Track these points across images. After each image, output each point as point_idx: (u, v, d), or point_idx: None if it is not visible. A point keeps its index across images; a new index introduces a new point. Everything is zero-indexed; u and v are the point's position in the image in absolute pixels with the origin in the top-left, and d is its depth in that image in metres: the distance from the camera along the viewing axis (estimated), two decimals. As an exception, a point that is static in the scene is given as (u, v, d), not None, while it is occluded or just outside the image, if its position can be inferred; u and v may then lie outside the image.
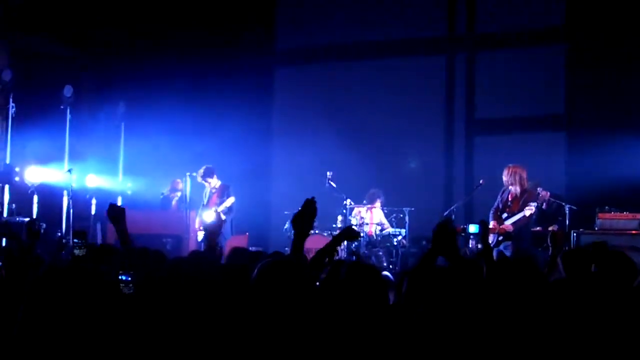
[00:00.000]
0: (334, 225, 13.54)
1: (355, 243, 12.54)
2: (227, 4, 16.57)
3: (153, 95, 15.80)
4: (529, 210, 10.42)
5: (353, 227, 5.71)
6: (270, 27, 16.86)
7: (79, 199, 14.77)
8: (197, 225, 12.36)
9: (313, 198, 4.88)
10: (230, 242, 12.61)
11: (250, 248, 10.78)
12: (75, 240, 6.62)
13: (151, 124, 15.53)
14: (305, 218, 4.79)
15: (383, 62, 15.91)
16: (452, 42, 15.66)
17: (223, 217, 12.03)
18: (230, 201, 12.19)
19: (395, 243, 13.18)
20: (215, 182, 12.42)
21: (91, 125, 15.92)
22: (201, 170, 12.45)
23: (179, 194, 14.40)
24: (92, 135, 15.88)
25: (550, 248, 6.24)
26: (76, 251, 6.78)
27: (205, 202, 12.42)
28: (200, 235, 12.29)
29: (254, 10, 16.70)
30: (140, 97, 16.04)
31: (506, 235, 10.46)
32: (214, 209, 12.26)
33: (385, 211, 13.74)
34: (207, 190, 12.48)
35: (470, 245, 10.72)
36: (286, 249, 13.15)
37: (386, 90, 15.56)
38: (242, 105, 15.58)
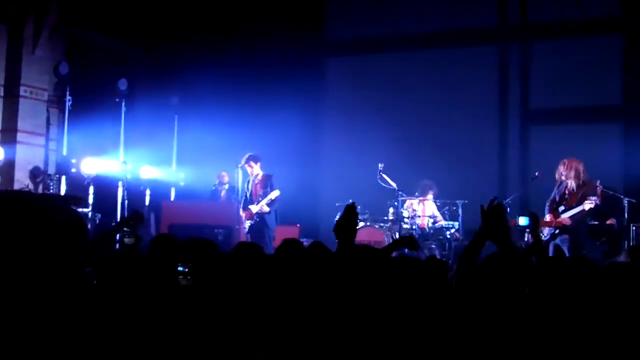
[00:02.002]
0: (385, 218, 13.36)
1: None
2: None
3: (205, 88, 15.80)
4: (588, 204, 10.07)
5: (414, 237, 5.57)
6: (320, 18, 16.70)
7: (134, 190, 14.89)
8: (242, 216, 12.27)
9: (353, 204, 4.63)
10: (280, 233, 12.61)
11: (302, 240, 10.67)
12: (125, 229, 6.63)
13: (203, 116, 15.61)
14: (347, 226, 4.50)
15: (434, 52, 15.66)
16: (505, 32, 15.34)
17: (267, 209, 12.00)
18: (275, 194, 12.03)
19: (447, 236, 12.96)
20: (257, 170, 12.21)
21: (145, 118, 15.95)
22: (246, 156, 12.30)
23: (226, 186, 14.36)
24: (146, 127, 15.93)
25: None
26: (126, 240, 6.81)
27: (248, 195, 12.31)
28: (248, 225, 12.24)
29: (304, 1, 16.58)
30: (192, 90, 16.10)
31: (563, 228, 10.18)
32: (259, 200, 12.15)
33: (438, 203, 13.50)
34: (250, 180, 12.35)
35: (526, 239, 10.47)
36: (337, 241, 13.15)
37: (438, 81, 15.29)
38: (293, 97, 15.41)
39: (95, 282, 3.52)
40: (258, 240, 11.54)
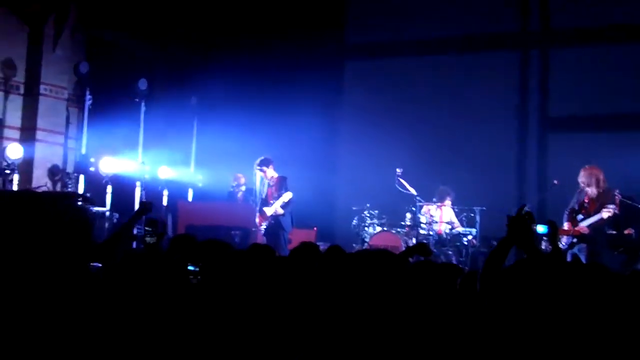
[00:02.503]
0: (402, 223, 13.32)
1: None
2: (298, -1, 16.51)
3: (224, 90, 15.83)
4: (606, 213, 9.99)
5: (426, 244, 5.57)
6: (339, 22, 16.62)
7: (151, 190, 14.90)
8: (257, 220, 12.27)
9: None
10: (296, 235, 12.59)
11: (318, 243, 10.64)
12: (146, 228, 6.66)
13: (222, 118, 15.58)
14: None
15: (454, 58, 15.54)
16: (525, 38, 15.23)
17: (281, 211, 12.00)
18: (287, 196, 11.99)
19: (465, 242, 12.88)
20: (271, 172, 12.20)
21: (165, 118, 16.02)
22: (258, 160, 12.30)
23: (243, 188, 14.36)
24: (165, 128, 16.01)
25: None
26: (148, 239, 6.84)
27: (263, 196, 12.32)
28: (263, 228, 12.24)
29: (324, 4, 16.51)
30: (212, 92, 16.09)
31: (581, 237, 10.10)
32: (272, 202, 12.16)
33: (456, 210, 13.42)
34: (265, 183, 12.35)
35: (543, 247, 10.40)
36: (354, 245, 13.13)
37: (457, 86, 15.21)
38: (311, 101, 15.36)
39: (103, 279, 3.50)
40: (274, 242, 11.59)
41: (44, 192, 12.86)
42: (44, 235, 2.88)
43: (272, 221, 12.03)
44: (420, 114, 15.41)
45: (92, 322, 2.92)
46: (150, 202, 6.48)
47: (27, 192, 3.71)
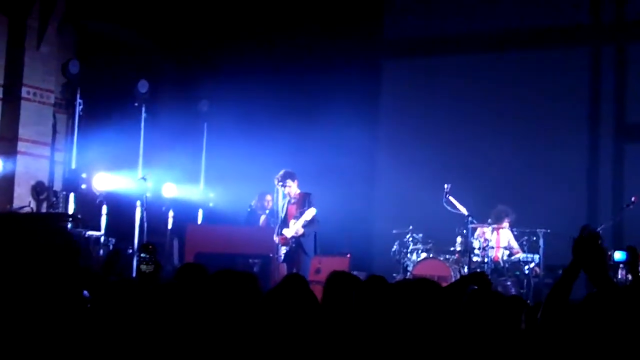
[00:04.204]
0: (451, 249, 13.45)
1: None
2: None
3: (240, 93, 15.88)
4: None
5: (485, 274, 5.55)
6: (377, 14, 16.73)
7: (154, 211, 14.96)
8: (276, 240, 12.29)
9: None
10: (327, 264, 12.64)
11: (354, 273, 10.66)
12: (142, 254, 6.62)
13: (238, 127, 15.67)
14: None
15: (510, 55, 15.70)
16: (597, 32, 15.30)
17: (301, 231, 12.06)
18: (310, 213, 12.01)
19: (526, 271, 12.93)
20: (294, 189, 12.27)
21: (169, 126, 16.04)
22: (280, 173, 12.29)
23: (267, 210, 14.41)
24: (170, 137, 16.07)
25: None
26: (143, 267, 6.78)
27: (282, 217, 12.35)
28: (283, 252, 12.28)
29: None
30: (225, 96, 16.14)
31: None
32: (292, 222, 12.20)
33: (515, 233, 13.49)
34: (286, 200, 12.37)
35: (619, 276, 10.35)
36: (394, 275, 13.16)
37: (515, 89, 15.35)
38: (343, 105, 15.49)
39: (89, 306, 3.53)
40: (294, 269, 11.81)
41: (27, 214, 12.96)
42: (25, 263, 2.91)
43: (293, 244, 12.10)
44: (471, 120, 15.57)
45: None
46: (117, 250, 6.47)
47: (7, 214, 3.75)
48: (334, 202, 13.43)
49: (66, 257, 3.02)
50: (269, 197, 14.33)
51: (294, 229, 12.10)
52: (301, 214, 12.10)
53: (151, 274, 6.67)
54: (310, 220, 12.08)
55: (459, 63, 16.06)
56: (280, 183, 12.28)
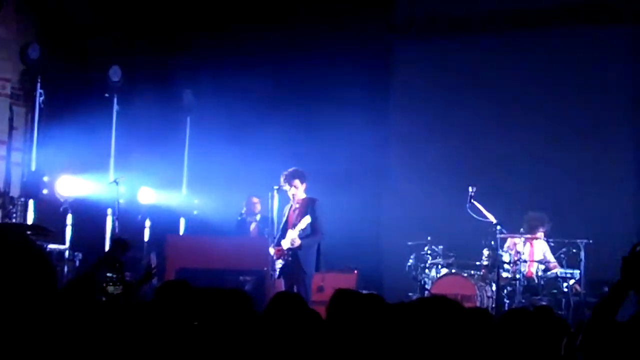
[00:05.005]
0: (477, 263, 13.42)
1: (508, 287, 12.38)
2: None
3: (229, 83, 15.84)
4: None
5: (551, 310, 5.50)
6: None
7: (128, 221, 14.85)
8: (272, 252, 12.23)
9: None
10: (330, 281, 12.70)
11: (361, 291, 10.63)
12: (108, 274, 6.54)
13: (227, 122, 15.68)
14: None
15: (541, 34, 15.65)
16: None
17: (298, 242, 11.98)
18: (305, 221, 11.90)
19: (564, 289, 12.87)
20: (300, 193, 12.15)
21: (146, 121, 15.93)
22: (289, 170, 12.13)
23: (257, 217, 14.44)
24: (147, 134, 15.99)
25: None
26: (110, 289, 6.72)
27: (283, 222, 12.36)
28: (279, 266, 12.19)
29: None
30: (212, 85, 16.11)
31: None
32: (290, 231, 12.12)
33: (552, 244, 13.44)
34: (288, 205, 12.29)
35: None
36: (410, 294, 13.13)
37: (547, 74, 15.37)
38: (349, 97, 15.48)
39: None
40: (291, 287, 11.76)
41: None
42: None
43: (289, 257, 12.01)
44: (497, 112, 15.55)
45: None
46: (126, 240, 6.42)
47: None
48: (339, 209, 13.30)
49: (40, 279, 3.01)
50: (255, 200, 14.45)
51: (289, 238, 12.03)
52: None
53: (120, 295, 6.63)
54: (312, 230, 11.96)
55: (480, 45, 16.02)
56: (287, 182, 12.19)
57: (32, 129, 14.94)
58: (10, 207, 14.46)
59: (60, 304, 5.46)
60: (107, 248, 14.24)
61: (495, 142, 15.18)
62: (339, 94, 15.45)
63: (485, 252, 13.30)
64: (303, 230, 11.88)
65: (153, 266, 14.13)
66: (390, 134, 16.47)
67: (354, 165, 15.65)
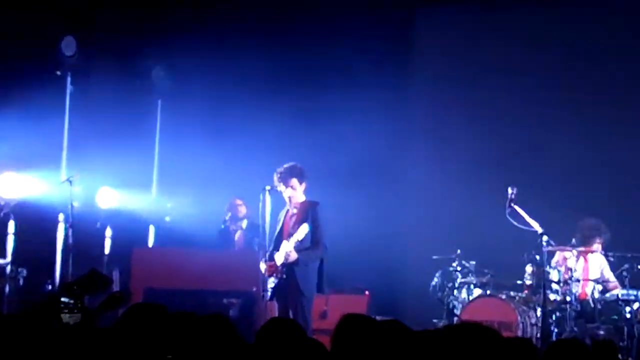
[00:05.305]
0: (518, 282, 13.39)
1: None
2: None
3: (212, 60, 15.86)
4: None
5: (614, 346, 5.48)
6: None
7: (85, 229, 14.80)
8: (262, 268, 12.18)
9: None
10: (336, 304, 12.82)
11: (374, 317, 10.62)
12: (64, 299, 6.56)
13: (206, 106, 15.93)
14: None
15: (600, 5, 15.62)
16: None
17: (295, 256, 11.90)
18: (302, 231, 11.85)
19: (627, 314, 12.84)
20: (299, 195, 12.09)
21: (107, 105, 15.95)
22: (285, 166, 12.07)
23: (243, 223, 14.49)
24: (108, 121, 15.94)
25: None
26: (65, 317, 6.75)
27: (277, 230, 12.36)
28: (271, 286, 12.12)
29: None
30: (188, 61, 16.15)
31: None
32: (284, 243, 12.06)
33: (611, 259, 13.42)
34: (284, 210, 12.25)
35: None
36: (434, 321, 13.15)
37: (608, 52, 15.38)
38: (361, 83, 15.58)
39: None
40: (286, 312, 11.76)
41: None
42: None
43: (284, 275, 11.99)
44: (541, 98, 15.56)
45: None
46: (128, 293, 6.44)
47: None
48: (346, 215, 13.42)
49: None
50: (238, 202, 14.52)
51: (284, 251, 11.96)
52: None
53: (78, 326, 6.65)
54: (312, 241, 11.92)
55: (522, 15, 16.06)
56: (282, 181, 12.16)
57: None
58: None
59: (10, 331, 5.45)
60: (58, 263, 14.26)
61: (540, 133, 15.20)
62: (348, 73, 15.62)
63: (529, 268, 13.24)
64: (301, 241, 11.84)
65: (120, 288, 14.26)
66: (411, 123, 16.57)
67: (366, 161, 15.71)
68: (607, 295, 13.21)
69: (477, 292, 13.44)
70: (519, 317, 12.90)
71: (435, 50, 16.59)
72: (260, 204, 12.48)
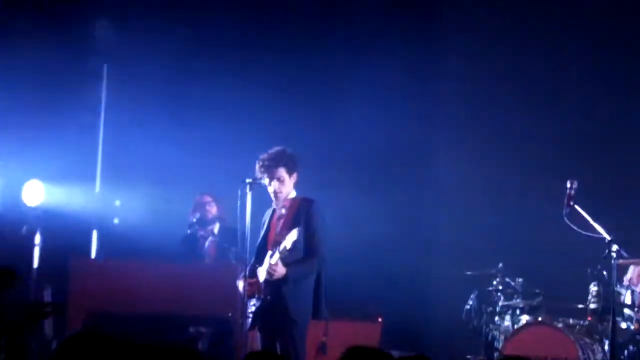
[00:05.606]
0: (579, 306, 13.04)
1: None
2: None
3: (172, 9, 15.87)
4: None
5: None
6: None
7: (7, 234, 14.78)
8: (240, 287, 11.84)
9: None
10: (340, 332, 12.61)
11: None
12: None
13: (167, 74, 15.70)
14: None
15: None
16: None
17: (282, 271, 11.32)
18: (292, 237, 11.42)
19: None
20: (288, 188, 11.68)
21: (35, 73, 15.76)
22: (271, 151, 11.69)
23: (216, 227, 14.25)
24: (37, 94, 15.86)
25: None
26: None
27: (261, 236, 11.94)
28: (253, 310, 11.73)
29: None
30: (143, 14, 15.95)
31: None
32: (269, 254, 11.66)
33: (698, 274, 13.13)
34: (269, 211, 11.88)
35: None
36: (468, 357, 12.89)
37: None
38: (370, 44, 15.70)
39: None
40: (272, 343, 11.35)
41: None
42: None
43: (269, 296, 11.53)
44: (606, 72, 15.33)
45: None
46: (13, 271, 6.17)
47: None
48: (353, 217, 13.22)
49: None
50: (207, 199, 14.31)
51: (267, 265, 11.41)
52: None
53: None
54: (306, 251, 11.50)
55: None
56: (266, 172, 11.69)
57: None
58: None
59: None
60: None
61: (607, 114, 15.10)
62: (357, 36, 15.71)
63: (593, 288, 12.87)
64: (291, 250, 11.38)
65: (47, 306, 14.03)
66: (439, 105, 16.51)
67: (380, 149, 15.62)
68: (696, 323, 12.84)
69: (524, 318, 13.13)
70: (580, 352, 12.57)
71: (468, 17, 16.76)
72: (239, 202, 12.03)
